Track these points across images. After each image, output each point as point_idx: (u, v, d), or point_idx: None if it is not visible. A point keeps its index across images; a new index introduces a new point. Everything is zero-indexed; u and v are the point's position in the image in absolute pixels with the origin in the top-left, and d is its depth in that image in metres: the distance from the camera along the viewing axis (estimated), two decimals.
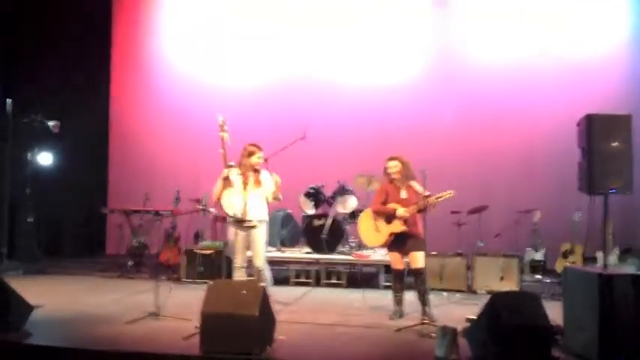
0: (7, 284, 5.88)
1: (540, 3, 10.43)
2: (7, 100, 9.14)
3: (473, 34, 10.64)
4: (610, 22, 10.31)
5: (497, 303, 5.11)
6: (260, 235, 6.67)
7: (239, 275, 6.63)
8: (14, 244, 9.65)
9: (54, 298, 7.31)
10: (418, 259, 6.57)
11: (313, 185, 9.53)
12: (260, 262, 6.68)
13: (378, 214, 6.76)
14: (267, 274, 6.76)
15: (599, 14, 10.32)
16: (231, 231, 6.71)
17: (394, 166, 6.68)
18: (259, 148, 6.77)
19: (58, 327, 6.15)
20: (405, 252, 6.65)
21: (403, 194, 6.64)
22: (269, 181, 6.72)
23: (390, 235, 6.64)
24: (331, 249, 9.04)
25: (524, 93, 10.35)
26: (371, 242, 6.97)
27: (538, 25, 10.41)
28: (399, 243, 6.64)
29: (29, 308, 5.95)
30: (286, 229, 9.63)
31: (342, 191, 9.34)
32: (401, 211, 6.53)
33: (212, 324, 5.21)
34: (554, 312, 5.42)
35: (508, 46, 10.50)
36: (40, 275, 8.99)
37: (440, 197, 6.32)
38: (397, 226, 6.59)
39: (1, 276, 6.19)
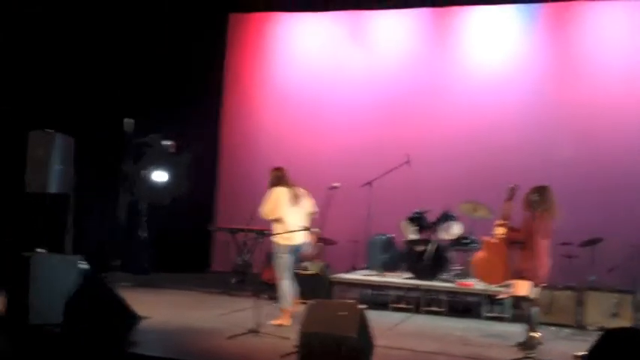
0: (118, 294, 6.16)
1: None
2: (127, 120, 9.66)
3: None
4: None
5: (610, 340, 4.80)
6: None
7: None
8: (127, 257, 10.13)
9: (161, 311, 7.55)
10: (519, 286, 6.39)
11: (417, 210, 9.40)
12: None
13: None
14: (286, 289, 7.25)
15: None
16: None
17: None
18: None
19: (162, 338, 6.36)
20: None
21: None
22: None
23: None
24: (433, 275, 8.86)
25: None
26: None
27: None
28: None
29: (137, 318, 6.19)
30: (387, 253, 9.55)
31: (447, 217, 9.16)
32: None
33: (310, 343, 5.23)
34: None
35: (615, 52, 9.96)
36: (149, 288, 9.34)
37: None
38: None
39: (114, 286, 6.49)
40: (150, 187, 10.43)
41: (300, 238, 7.28)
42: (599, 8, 10.14)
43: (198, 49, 11.29)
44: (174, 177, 10.49)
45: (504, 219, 6.63)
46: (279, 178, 7.36)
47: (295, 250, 7.34)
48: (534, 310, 6.41)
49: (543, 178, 6.93)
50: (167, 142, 9.92)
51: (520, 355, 6.08)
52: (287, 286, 7.29)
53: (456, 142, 10.30)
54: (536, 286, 6.36)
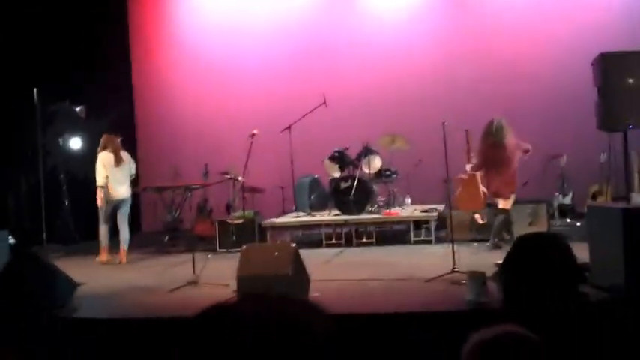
0: (52, 264, 6.14)
1: None
2: (34, 89, 9.37)
3: None
4: None
5: (524, 245, 5.21)
6: None
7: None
8: (53, 227, 9.97)
9: (96, 276, 7.55)
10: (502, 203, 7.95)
11: (337, 149, 9.64)
12: None
13: None
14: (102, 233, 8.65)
15: None
16: None
17: None
18: None
19: (102, 300, 6.40)
20: None
21: None
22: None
23: None
24: (360, 210, 9.18)
25: (538, 37, 10.22)
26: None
27: None
28: None
29: (74, 285, 6.20)
30: (314, 193, 9.80)
31: (367, 152, 9.44)
32: None
33: (247, 286, 5.42)
34: (582, 253, 5.50)
35: None
36: (81, 255, 9.24)
37: None
38: None
39: (46, 257, 6.45)
40: (66, 155, 10.22)
41: (121, 194, 8.58)
42: None
43: (99, 9, 10.93)
44: (89, 143, 10.28)
45: (468, 158, 7.97)
46: (104, 144, 8.56)
47: (117, 203, 8.58)
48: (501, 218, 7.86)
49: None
50: (77, 107, 9.68)
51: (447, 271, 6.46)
52: (102, 231, 8.62)
53: (368, 78, 10.55)
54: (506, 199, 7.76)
